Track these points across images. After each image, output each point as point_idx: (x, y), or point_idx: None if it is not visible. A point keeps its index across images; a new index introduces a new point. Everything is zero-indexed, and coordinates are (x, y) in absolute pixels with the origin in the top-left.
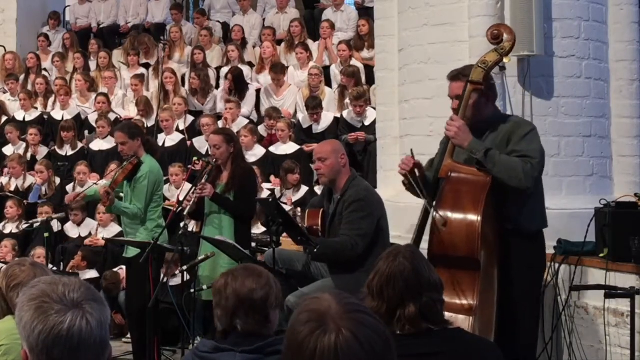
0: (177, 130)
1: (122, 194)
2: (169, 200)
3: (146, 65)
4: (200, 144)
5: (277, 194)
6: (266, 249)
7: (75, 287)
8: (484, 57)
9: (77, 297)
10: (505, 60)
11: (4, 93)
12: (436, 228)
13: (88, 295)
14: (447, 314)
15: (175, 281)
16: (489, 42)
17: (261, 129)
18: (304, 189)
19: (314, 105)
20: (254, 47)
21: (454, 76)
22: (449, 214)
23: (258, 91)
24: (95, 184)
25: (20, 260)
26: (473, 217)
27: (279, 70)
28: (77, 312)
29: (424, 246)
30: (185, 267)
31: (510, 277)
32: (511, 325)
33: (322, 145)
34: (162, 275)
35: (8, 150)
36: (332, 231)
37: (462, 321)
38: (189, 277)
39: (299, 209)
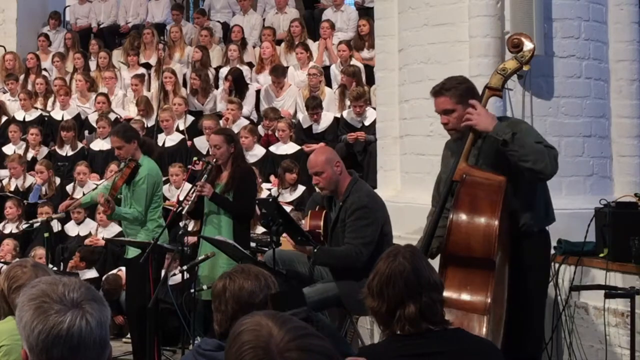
0: (177, 130)
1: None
2: (169, 200)
3: (146, 65)
4: (202, 144)
5: (274, 194)
6: (266, 249)
7: (75, 287)
8: (504, 65)
9: (76, 297)
10: (524, 68)
11: (4, 93)
12: (452, 229)
13: (88, 295)
14: (461, 313)
15: (175, 281)
16: (508, 50)
17: (260, 129)
18: (301, 189)
19: (313, 105)
20: (253, 47)
21: (437, 91)
22: (466, 216)
23: (258, 91)
24: (96, 186)
25: (21, 261)
26: (490, 220)
27: (279, 74)
28: (77, 312)
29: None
30: (185, 267)
31: (518, 275)
32: (519, 323)
33: (315, 157)
34: (162, 275)
35: (8, 149)
36: (334, 237)
37: (477, 320)
38: (188, 276)
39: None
